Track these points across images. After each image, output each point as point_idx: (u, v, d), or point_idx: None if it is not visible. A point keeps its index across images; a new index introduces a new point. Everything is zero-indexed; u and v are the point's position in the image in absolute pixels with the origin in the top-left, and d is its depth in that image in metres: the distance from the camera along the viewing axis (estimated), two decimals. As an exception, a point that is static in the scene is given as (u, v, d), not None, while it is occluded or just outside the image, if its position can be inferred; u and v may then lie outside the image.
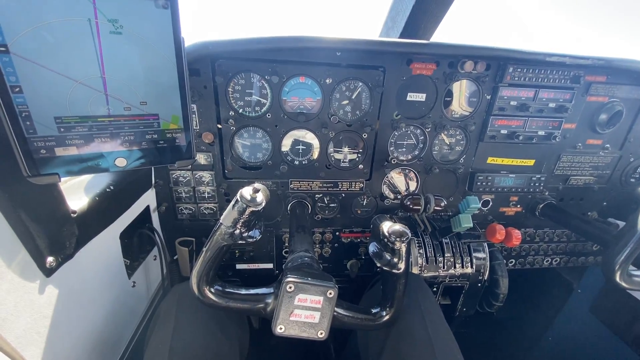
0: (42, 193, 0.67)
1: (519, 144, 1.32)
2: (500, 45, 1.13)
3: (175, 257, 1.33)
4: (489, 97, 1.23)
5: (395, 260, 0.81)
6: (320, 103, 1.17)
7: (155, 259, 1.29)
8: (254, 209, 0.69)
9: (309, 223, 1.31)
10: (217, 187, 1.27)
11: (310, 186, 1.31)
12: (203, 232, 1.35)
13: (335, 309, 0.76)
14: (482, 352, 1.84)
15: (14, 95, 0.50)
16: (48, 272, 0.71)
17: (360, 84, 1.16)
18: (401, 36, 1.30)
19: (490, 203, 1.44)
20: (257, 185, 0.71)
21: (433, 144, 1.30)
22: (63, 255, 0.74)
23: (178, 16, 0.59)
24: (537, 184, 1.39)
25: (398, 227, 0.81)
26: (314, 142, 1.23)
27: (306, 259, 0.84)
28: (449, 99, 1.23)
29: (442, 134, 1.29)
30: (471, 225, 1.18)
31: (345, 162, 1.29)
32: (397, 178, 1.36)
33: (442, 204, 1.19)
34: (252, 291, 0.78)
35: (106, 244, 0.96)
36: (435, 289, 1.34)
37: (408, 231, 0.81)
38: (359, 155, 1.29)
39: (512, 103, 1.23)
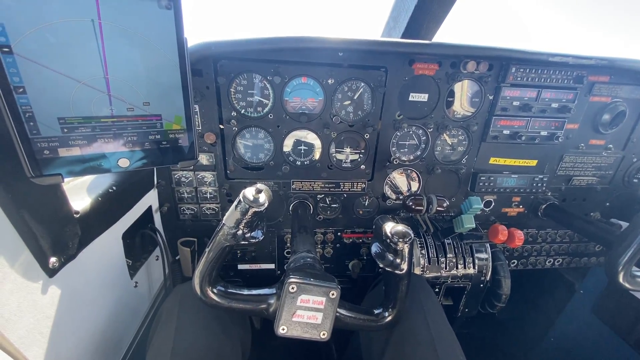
0: (45, 193, 0.67)
1: (522, 145, 1.31)
2: (502, 45, 1.12)
3: (177, 258, 1.33)
4: (491, 97, 1.23)
5: (398, 261, 0.80)
6: (322, 103, 1.17)
7: (157, 260, 1.29)
8: (256, 209, 0.69)
9: (311, 223, 1.31)
10: (219, 187, 1.27)
11: (312, 187, 1.31)
12: (205, 233, 1.35)
13: (338, 309, 0.75)
14: (484, 353, 1.84)
15: (18, 96, 0.51)
16: (51, 272, 0.71)
17: (363, 84, 1.16)
18: (403, 36, 1.30)
19: (493, 203, 1.43)
20: (259, 185, 0.70)
21: (435, 145, 1.30)
22: (66, 256, 0.75)
23: (181, 17, 0.59)
24: (539, 185, 1.39)
25: (401, 227, 0.81)
26: (316, 142, 1.23)
27: (308, 259, 0.84)
28: (451, 99, 1.22)
29: (445, 134, 1.29)
30: (473, 225, 1.18)
31: (347, 162, 1.29)
32: (399, 178, 1.36)
33: (445, 205, 1.19)
34: (254, 292, 0.77)
35: (109, 245, 0.97)
36: (437, 290, 1.33)
37: (411, 232, 0.80)
38: (361, 155, 1.28)
39: (514, 103, 1.23)
